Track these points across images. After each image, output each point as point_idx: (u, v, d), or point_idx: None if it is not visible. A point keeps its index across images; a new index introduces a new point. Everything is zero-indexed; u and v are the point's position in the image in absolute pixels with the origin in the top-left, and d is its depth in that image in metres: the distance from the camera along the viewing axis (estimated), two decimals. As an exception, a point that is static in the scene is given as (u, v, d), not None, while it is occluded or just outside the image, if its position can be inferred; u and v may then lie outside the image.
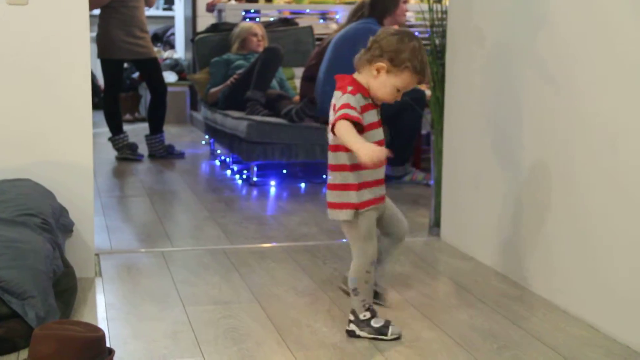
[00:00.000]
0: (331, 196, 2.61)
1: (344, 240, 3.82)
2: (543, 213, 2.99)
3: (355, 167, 2.55)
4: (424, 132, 5.55)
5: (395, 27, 2.53)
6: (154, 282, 3.17)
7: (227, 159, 5.92)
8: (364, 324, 2.60)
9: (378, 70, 2.53)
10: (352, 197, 2.57)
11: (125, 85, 8.74)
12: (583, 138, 2.75)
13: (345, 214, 2.57)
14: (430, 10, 3.87)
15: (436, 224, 3.90)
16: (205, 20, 7.80)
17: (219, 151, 6.29)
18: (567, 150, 2.84)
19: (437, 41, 3.87)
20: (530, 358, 2.47)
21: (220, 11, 7.37)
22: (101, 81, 9.42)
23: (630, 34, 2.53)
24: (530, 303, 2.94)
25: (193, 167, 6.06)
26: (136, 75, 8.46)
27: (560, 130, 2.88)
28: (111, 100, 6.14)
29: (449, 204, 3.76)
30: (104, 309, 2.85)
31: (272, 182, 5.20)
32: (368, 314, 2.60)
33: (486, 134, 3.40)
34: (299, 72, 6.01)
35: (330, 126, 2.54)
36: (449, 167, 3.77)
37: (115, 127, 6.16)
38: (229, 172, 5.67)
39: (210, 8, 7.61)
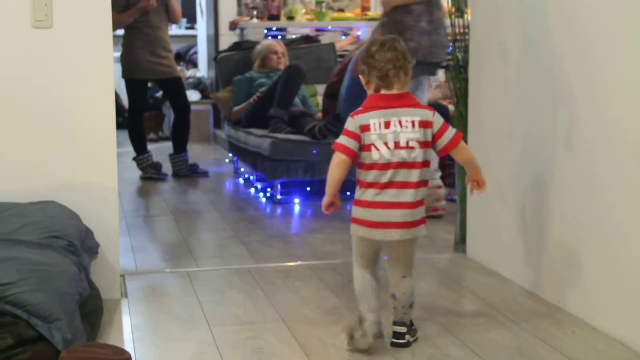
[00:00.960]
0: (420, 213, 2.62)
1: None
2: (570, 228, 2.96)
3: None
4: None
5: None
6: (179, 302, 3.17)
7: (251, 177, 5.93)
8: (414, 331, 2.71)
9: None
10: (424, 211, 2.65)
11: (149, 105, 8.80)
12: (609, 150, 2.73)
13: (425, 229, 2.65)
14: (452, 25, 3.87)
15: (462, 240, 3.87)
16: (228, 39, 7.85)
17: (242, 169, 6.31)
18: (594, 162, 2.82)
19: (459, 56, 3.86)
20: (559, 376, 2.45)
21: (242, 29, 7.42)
22: (125, 101, 9.52)
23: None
24: (559, 320, 2.91)
25: (217, 185, 6.08)
26: (159, 94, 8.51)
27: (586, 143, 2.86)
28: (135, 119, 6.19)
29: (475, 219, 3.74)
30: (129, 331, 2.86)
31: (296, 200, 5.19)
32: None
33: (510, 149, 3.38)
34: (321, 89, 6.02)
35: (454, 142, 2.61)
36: (473, 183, 3.74)
37: (140, 147, 6.20)
38: (252, 190, 5.68)
39: (232, 26, 7.66)
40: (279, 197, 5.20)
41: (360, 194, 2.62)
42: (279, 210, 5.03)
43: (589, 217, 2.85)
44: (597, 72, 2.78)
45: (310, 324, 2.91)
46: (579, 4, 2.88)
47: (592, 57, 2.81)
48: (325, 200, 2.66)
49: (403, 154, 2.55)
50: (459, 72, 3.85)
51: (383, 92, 2.60)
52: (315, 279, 3.46)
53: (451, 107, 4.57)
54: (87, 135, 3.17)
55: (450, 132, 2.61)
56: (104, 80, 3.16)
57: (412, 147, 2.55)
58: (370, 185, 2.58)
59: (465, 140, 3.78)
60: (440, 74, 5.78)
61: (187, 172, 6.26)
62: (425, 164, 2.60)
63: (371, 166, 2.58)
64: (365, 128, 2.58)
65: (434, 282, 3.42)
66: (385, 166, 2.56)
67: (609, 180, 2.74)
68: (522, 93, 3.28)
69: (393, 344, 2.66)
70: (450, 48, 3.93)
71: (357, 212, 2.63)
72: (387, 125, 2.56)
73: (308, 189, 5.35)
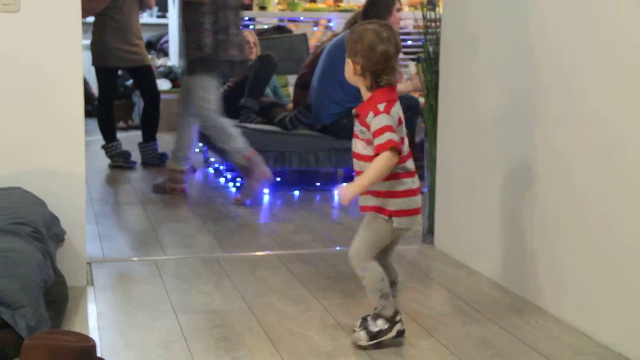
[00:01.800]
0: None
1: (338, 248, 3.81)
2: (536, 220, 2.99)
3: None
4: (417, 139, 5.54)
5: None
6: (147, 290, 3.15)
7: (221, 167, 5.91)
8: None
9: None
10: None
11: (118, 93, 8.72)
12: (581, 144, 2.76)
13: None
14: (424, 18, 3.88)
15: (430, 231, 3.89)
16: (199, 28, 7.78)
17: (212, 159, 6.28)
18: (563, 156, 2.84)
19: (430, 49, 3.87)
20: (523, 366, 2.47)
21: (214, 19, 7.37)
22: (94, 89, 9.44)
23: (629, 34, 2.53)
24: (523, 311, 2.94)
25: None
26: (130, 82, 8.44)
27: (556, 136, 2.88)
28: (105, 108, 6.13)
29: (443, 211, 3.76)
30: (95, 318, 2.84)
31: (266, 190, 5.18)
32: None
33: (480, 142, 3.40)
34: (292, 79, 6.01)
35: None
36: (442, 175, 3.77)
37: (109, 135, 6.15)
38: (222, 180, 5.66)
39: (204, 16, 7.61)
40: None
41: (406, 184, 2.57)
42: (248, 200, 5.02)
43: (553, 209, 2.88)
44: (569, 65, 2.81)
45: (278, 313, 2.91)
46: (549, -2, 2.91)
47: (563, 50, 2.84)
48: (357, 192, 2.56)
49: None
50: (430, 65, 3.86)
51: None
52: (283, 269, 3.46)
53: (422, 100, 4.58)
54: (55, 121, 3.14)
55: None
56: (72, 67, 3.13)
57: None
58: (412, 174, 2.59)
59: (435, 133, 3.81)
60: (412, 67, 5.80)
61: (157, 161, 6.22)
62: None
63: (408, 156, 2.59)
64: (400, 121, 2.57)
65: (402, 273, 3.41)
66: (410, 155, 2.61)
67: (577, 174, 2.77)
68: (492, 86, 3.30)
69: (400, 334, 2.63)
70: (422, 41, 3.94)
71: (402, 203, 2.57)
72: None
73: (278, 179, 5.34)
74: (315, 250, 3.78)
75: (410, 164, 2.60)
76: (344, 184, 2.58)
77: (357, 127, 2.60)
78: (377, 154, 2.49)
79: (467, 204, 3.51)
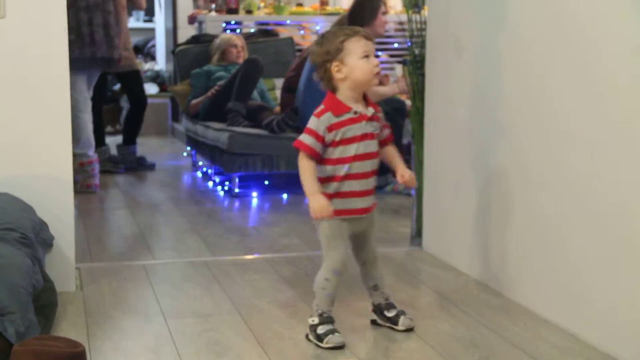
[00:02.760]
0: None
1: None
2: (523, 223, 3.00)
3: (323, 179, 2.61)
4: (405, 142, 5.56)
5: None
6: (136, 295, 3.14)
7: (209, 171, 5.90)
8: (311, 328, 2.64)
9: (338, 70, 2.57)
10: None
11: (106, 98, 8.70)
12: (559, 148, 2.76)
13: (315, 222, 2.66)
14: (410, 21, 3.88)
15: (418, 234, 3.90)
16: (186, 32, 7.80)
17: (200, 163, 6.28)
18: (546, 160, 2.85)
19: (416, 51, 3.88)
20: (511, 367, 2.47)
21: (200, 23, 7.37)
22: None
23: (609, 39, 2.54)
24: (512, 312, 2.94)
25: (174, 179, 6.04)
26: (117, 87, 8.42)
27: (538, 140, 2.89)
28: (94, 112, 6.10)
29: (431, 214, 3.77)
30: (84, 324, 2.83)
31: (254, 194, 5.18)
32: (316, 319, 2.64)
33: (466, 144, 3.41)
34: (279, 83, 6.01)
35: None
36: (429, 177, 3.77)
37: (98, 140, 6.12)
38: (210, 183, 5.65)
39: (191, 20, 7.60)
40: (237, 190, 5.19)
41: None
42: (236, 204, 5.02)
43: (541, 214, 2.89)
44: (551, 69, 2.82)
45: (267, 316, 2.91)
46: None
47: (545, 54, 2.84)
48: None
49: None
50: (417, 67, 3.87)
51: None
52: (272, 272, 3.45)
53: (408, 102, 4.59)
54: (41, 127, 3.12)
55: None
56: (59, 72, 3.12)
57: None
58: None
59: (422, 135, 3.82)
60: (398, 69, 5.81)
61: (134, 165, 6.20)
62: (326, 161, 2.61)
63: None
64: None
65: (390, 275, 3.43)
66: None
67: (557, 178, 2.77)
68: (477, 88, 3.31)
69: None
70: (408, 44, 3.95)
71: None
72: None
73: (266, 182, 5.35)
74: (304, 253, 3.78)
75: None
76: (408, 173, 2.73)
77: (373, 126, 2.65)
78: (384, 145, 2.70)
79: (455, 206, 3.52)
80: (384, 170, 5.26)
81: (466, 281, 3.33)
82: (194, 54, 6.41)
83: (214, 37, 6.41)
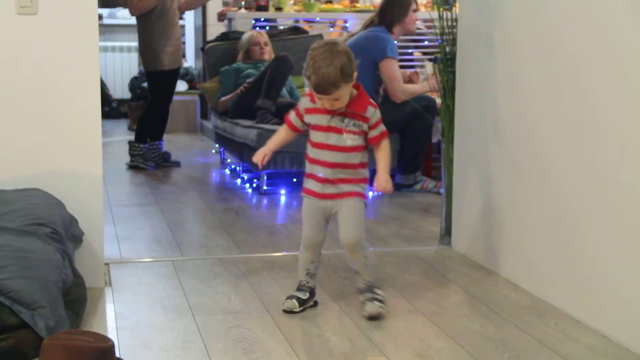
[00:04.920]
0: None
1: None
2: (555, 222, 2.97)
3: (306, 156, 2.91)
4: (434, 140, 5.54)
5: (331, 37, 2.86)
6: (164, 291, 3.16)
7: (237, 168, 5.92)
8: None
9: None
10: (304, 182, 2.94)
11: (137, 95, 8.77)
12: (595, 145, 2.74)
13: None
14: (440, 18, 3.86)
15: (447, 232, 3.88)
16: (216, 29, 7.82)
17: (229, 160, 6.29)
18: (578, 159, 2.82)
19: (447, 49, 3.86)
20: (542, 368, 2.46)
21: (230, 20, 7.39)
22: (111, 90, 9.49)
23: (633, 36, 2.52)
24: (543, 312, 2.92)
25: (203, 176, 6.06)
26: (146, 84, 8.47)
27: (569, 138, 2.86)
28: (156, 110, 6.14)
29: (460, 212, 3.75)
30: (113, 319, 2.85)
31: (282, 191, 5.19)
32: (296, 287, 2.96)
33: (497, 142, 3.38)
34: (308, 80, 6.00)
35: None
36: (459, 176, 3.75)
37: (142, 136, 6.13)
38: (239, 181, 5.67)
39: (220, 17, 7.63)
40: (265, 188, 5.20)
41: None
42: (265, 201, 5.03)
43: (574, 212, 2.86)
44: (585, 65, 2.79)
45: (295, 314, 2.91)
46: (567, -2, 2.89)
47: (579, 49, 2.82)
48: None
49: None
50: (447, 65, 3.85)
51: None
52: (300, 270, 3.45)
53: (439, 100, 4.57)
54: (72, 123, 3.15)
55: None
56: (89, 68, 3.15)
57: None
58: None
59: (452, 134, 3.80)
60: (429, 67, 5.78)
61: (159, 160, 6.21)
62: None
63: None
64: None
65: (419, 274, 3.43)
66: None
67: (595, 176, 2.75)
68: (509, 86, 3.28)
69: None
70: (439, 41, 3.93)
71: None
72: None
73: (294, 180, 5.35)
74: (332, 251, 3.77)
75: None
76: (381, 179, 2.84)
77: (348, 122, 2.82)
78: (378, 142, 2.85)
79: (485, 205, 3.50)
80: (413, 169, 5.29)
81: (496, 280, 3.31)
82: (222, 51, 6.43)
83: (243, 34, 6.42)
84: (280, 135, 2.97)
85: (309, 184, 2.89)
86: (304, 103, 2.89)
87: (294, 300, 2.89)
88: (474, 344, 2.63)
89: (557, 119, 2.94)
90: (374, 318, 2.82)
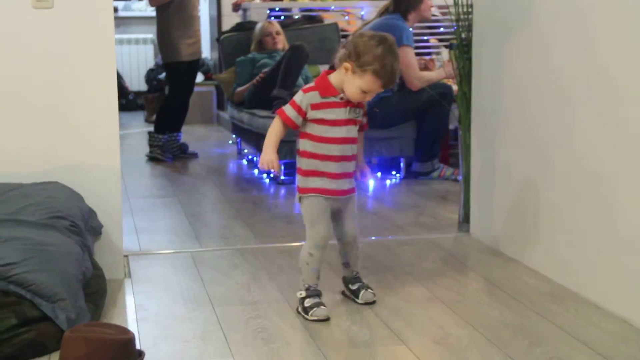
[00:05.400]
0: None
1: (373, 237, 3.81)
2: (574, 207, 2.96)
3: (304, 153, 2.77)
4: (451, 127, 5.52)
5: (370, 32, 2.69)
6: (183, 282, 3.18)
7: (255, 158, 5.92)
8: (299, 301, 2.79)
9: (345, 70, 2.69)
10: (299, 181, 2.80)
11: (153, 86, 8.79)
12: (615, 132, 2.72)
13: (298, 198, 2.82)
14: (456, 4, 3.84)
15: (465, 220, 3.87)
16: (231, 20, 7.81)
17: (246, 150, 6.30)
18: (598, 144, 2.81)
19: (463, 35, 3.84)
20: (562, 354, 2.45)
21: (245, 10, 7.38)
22: (128, 82, 9.52)
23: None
24: (562, 298, 2.91)
25: (221, 167, 6.08)
26: (163, 76, 8.49)
27: (591, 124, 2.84)
28: (176, 102, 6.15)
29: (478, 199, 3.74)
30: (133, 311, 2.87)
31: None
32: (303, 293, 2.78)
33: (514, 128, 3.37)
34: (324, 69, 5.99)
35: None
36: (477, 163, 3.74)
37: (162, 127, 6.14)
38: (256, 171, 5.67)
39: (235, 8, 7.62)
40: (282, 177, 5.20)
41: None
42: (282, 191, 5.03)
43: (593, 197, 2.85)
44: (604, 50, 2.77)
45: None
46: (583, -19, 2.87)
47: (598, 35, 2.80)
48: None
49: None
50: (463, 52, 3.83)
51: None
52: (318, 259, 3.45)
53: (455, 87, 4.56)
54: (89, 116, 3.17)
55: None
56: (105, 61, 3.16)
57: None
58: None
59: (469, 120, 3.78)
60: (445, 53, 5.76)
61: (177, 152, 6.22)
62: (300, 135, 2.78)
63: None
64: None
65: (437, 261, 3.42)
66: None
67: (612, 162, 2.73)
68: (525, 72, 3.26)
69: None
70: (455, 28, 3.91)
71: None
72: None
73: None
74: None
75: None
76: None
77: (359, 112, 2.77)
78: (363, 129, 2.83)
79: (503, 191, 3.49)
80: (430, 157, 5.27)
81: (515, 267, 3.30)
82: (238, 41, 6.42)
83: (257, 24, 6.41)
84: (278, 134, 2.74)
85: (317, 182, 2.75)
86: (309, 98, 2.71)
87: (323, 308, 2.75)
88: (494, 331, 2.63)
89: (577, 103, 2.92)
90: (369, 304, 2.87)
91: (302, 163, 2.78)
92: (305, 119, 2.72)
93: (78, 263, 2.69)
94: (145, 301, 2.97)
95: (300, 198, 2.80)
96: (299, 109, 2.71)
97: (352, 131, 2.75)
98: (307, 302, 2.76)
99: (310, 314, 2.73)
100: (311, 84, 2.76)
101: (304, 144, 2.76)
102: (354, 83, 2.67)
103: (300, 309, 2.78)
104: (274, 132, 2.73)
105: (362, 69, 2.64)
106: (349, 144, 2.75)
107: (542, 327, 2.66)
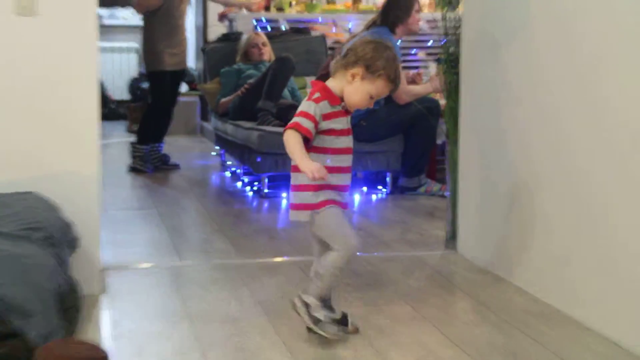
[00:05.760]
0: (292, 197, 2.69)
1: (358, 254, 3.75)
2: (563, 225, 2.92)
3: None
4: (439, 142, 5.49)
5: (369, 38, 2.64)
6: (162, 298, 3.11)
7: (238, 171, 5.87)
8: (308, 306, 2.65)
9: (353, 77, 2.61)
10: (308, 198, 2.63)
11: (136, 96, 8.74)
12: (605, 147, 2.68)
13: (304, 215, 2.64)
14: (444, 18, 3.81)
15: (453, 237, 3.83)
16: (216, 30, 7.79)
17: (229, 162, 6.25)
18: (588, 160, 2.77)
19: (451, 49, 3.81)
20: (552, 378, 2.40)
21: (231, 21, 7.35)
22: (111, 91, 9.47)
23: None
24: (552, 319, 2.86)
25: (203, 178, 6.02)
26: (146, 85, 8.45)
27: (581, 139, 2.81)
28: (157, 112, 6.09)
29: (466, 216, 3.69)
30: (109, 327, 2.80)
31: (284, 194, 5.14)
32: (317, 302, 2.64)
33: (503, 144, 3.33)
34: (312, 80, 5.96)
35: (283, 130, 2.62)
36: (465, 178, 3.70)
37: (144, 138, 6.08)
38: (239, 184, 5.62)
39: (221, 18, 7.59)
40: (266, 191, 5.15)
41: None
42: (265, 205, 4.98)
43: (583, 215, 2.81)
44: (592, 66, 2.74)
45: (297, 322, 2.84)
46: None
47: (586, 50, 2.77)
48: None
49: None
50: (451, 66, 3.80)
51: None
52: (302, 276, 3.40)
53: (442, 102, 4.53)
54: (70, 125, 3.11)
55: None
56: (87, 70, 3.11)
57: None
58: None
59: (456, 135, 3.74)
60: (432, 67, 5.74)
61: (158, 163, 6.16)
62: (312, 149, 2.60)
63: None
64: None
65: (423, 279, 3.37)
66: None
67: (602, 177, 2.69)
68: (514, 88, 3.23)
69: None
70: (443, 41, 3.87)
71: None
72: None
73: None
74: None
75: None
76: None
77: (347, 122, 2.67)
78: None
79: (492, 208, 3.44)
80: (417, 172, 5.24)
81: (504, 286, 3.25)
82: (223, 52, 6.40)
83: (242, 35, 6.39)
84: (302, 144, 2.57)
85: (329, 194, 2.62)
86: (321, 108, 2.58)
87: (335, 327, 2.65)
88: (481, 352, 2.58)
89: (567, 118, 2.89)
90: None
91: (303, 179, 2.61)
92: (317, 131, 2.59)
93: (53, 277, 2.61)
94: (121, 317, 2.90)
95: (312, 215, 2.62)
96: (313, 119, 2.56)
97: (350, 141, 2.67)
98: (319, 314, 2.62)
99: (321, 328, 2.61)
100: (316, 94, 2.61)
101: (313, 159, 2.56)
102: (363, 89, 2.60)
103: (306, 317, 2.62)
104: (298, 143, 2.55)
105: (375, 75, 2.59)
106: (347, 154, 2.67)
107: (530, 348, 2.61)
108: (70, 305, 2.71)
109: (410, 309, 2.97)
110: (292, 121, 2.58)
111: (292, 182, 2.68)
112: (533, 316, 2.90)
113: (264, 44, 6.08)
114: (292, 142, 2.56)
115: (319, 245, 2.71)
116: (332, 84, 2.65)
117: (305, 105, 2.60)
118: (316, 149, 2.61)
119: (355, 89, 2.61)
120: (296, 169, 2.63)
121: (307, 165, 2.52)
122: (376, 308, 2.97)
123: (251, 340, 2.66)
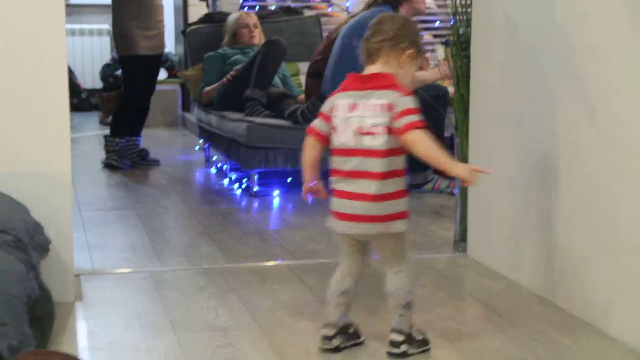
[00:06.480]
0: (379, 208, 2.58)
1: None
2: (583, 225, 2.96)
3: (402, 173, 2.63)
4: (447, 134, 5.53)
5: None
6: (141, 306, 3.16)
7: (224, 167, 5.91)
8: (417, 342, 2.69)
9: (407, 59, 2.64)
10: (404, 205, 2.62)
11: (109, 84, 8.77)
12: (622, 140, 2.73)
13: (403, 225, 2.61)
14: (453, -5, 3.86)
15: (462, 238, 3.88)
16: (198, 10, 7.82)
17: (214, 158, 6.29)
18: (605, 155, 2.81)
19: (460, 31, 3.86)
20: (571, 391, 2.45)
21: (214, 0, 7.39)
22: (80, 79, 9.48)
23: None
24: (571, 328, 2.91)
25: (186, 175, 6.06)
26: (119, 72, 8.48)
27: (599, 132, 2.85)
28: (130, 101, 6.11)
29: (477, 216, 3.74)
30: (84, 338, 2.85)
31: (275, 192, 5.19)
32: (421, 337, 2.71)
33: (517, 137, 3.38)
34: (304, 67, 6.00)
35: (403, 131, 2.55)
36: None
37: (119, 130, 6.11)
38: (226, 181, 5.66)
39: (203, -4, 7.63)
40: (256, 189, 5.19)
41: (332, 182, 2.66)
42: (255, 204, 5.03)
43: (602, 214, 2.86)
44: (612, 51, 2.78)
45: (290, 331, 2.90)
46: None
47: (605, 34, 2.81)
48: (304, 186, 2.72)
49: (366, 140, 2.57)
50: (461, 49, 3.85)
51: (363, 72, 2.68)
52: (296, 281, 3.45)
53: (451, 89, 4.58)
54: (36, 117, 3.14)
55: (407, 119, 2.54)
56: (55, 56, 3.14)
57: (374, 133, 2.56)
58: (335, 172, 2.63)
59: (466, 127, 3.79)
60: (440, 51, 5.78)
61: (136, 158, 6.20)
62: (393, 152, 2.58)
63: (334, 152, 2.64)
64: (334, 110, 2.64)
65: (430, 284, 3.42)
66: (348, 153, 2.59)
67: (620, 173, 2.74)
68: (529, 73, 3.27)
69: (388, 354, 2.66)
70: (452, 22, 3.92)
71: (331, 202, 2.67)
72: (352, 108, 2.59)
73: (289, 180, 5.35)
74: (332, 259, 3.76)
75: (334, 163, 2.66)
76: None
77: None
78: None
79: (504, 207, 3.49)
80: (424, 167, 5.28)
81: (518, 292, 3.30)
82: (206, 34, 6.42)
83: (229, 15, 6.41)
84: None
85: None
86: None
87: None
88: (494, 364, 2.63)
89: (586, 109, 2.93)
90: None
91: (401, 184, 2.63)
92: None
93: (21, 283, 2.65)
94: (98, 327, 2.95)
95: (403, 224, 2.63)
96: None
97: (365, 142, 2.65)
98: (419, 335, 2.71)
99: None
100: (398, 91, 2.57)
101: (398, 162, 2.62)
102: (411, 72, 2.67)
103: (414, 350, 2.67)
104: (435, 144, 2.58)
105: (420, 53, 2.67)
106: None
107: (547, 359, 2.66)
108: (42, 315, 2.76)
109: (416, 317, 3.01)
110: (413, 119, 2.54)
111: (396, 187, 2.60)
112: (551, 325, 2.95)
113: (255, 26, 6.10)
114: (430, 142, 2.55)
115: (354, 259, 2.72)
116: (389, 72, 2.62)
117: (412, 101, 2.56)
118: (404, 151, 2.63)
119: (407, 72, 2.66)
120: (387, 175, 2.58)
121: (462, 169, 2.59)
122: (378, 316, 3.01)
123: (241, 352, 2.71)
